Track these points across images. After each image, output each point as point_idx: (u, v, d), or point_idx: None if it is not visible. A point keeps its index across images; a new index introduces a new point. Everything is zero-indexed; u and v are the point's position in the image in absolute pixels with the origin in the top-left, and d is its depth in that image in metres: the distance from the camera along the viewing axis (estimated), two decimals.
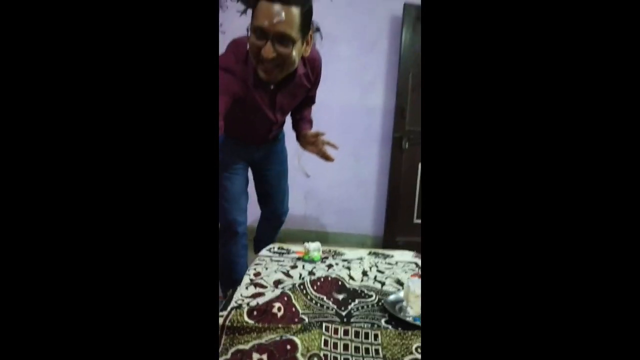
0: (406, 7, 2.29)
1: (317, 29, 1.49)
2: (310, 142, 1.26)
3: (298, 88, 1.18)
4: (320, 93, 1.41)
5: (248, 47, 0.97)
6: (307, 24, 0.97)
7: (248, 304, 0.86)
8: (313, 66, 1.19)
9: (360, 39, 2.42)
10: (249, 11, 0.96)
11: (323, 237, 2.32)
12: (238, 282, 1.06)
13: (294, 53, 0.96)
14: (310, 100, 1.38)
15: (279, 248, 1.34)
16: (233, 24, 1.52)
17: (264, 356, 0.65)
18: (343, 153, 2.50)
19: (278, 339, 0.70)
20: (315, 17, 1.56)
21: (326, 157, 1.28)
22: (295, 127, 1.38)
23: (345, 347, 0.71)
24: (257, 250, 1.48)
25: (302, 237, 2.51)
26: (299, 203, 2.51)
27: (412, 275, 1.03)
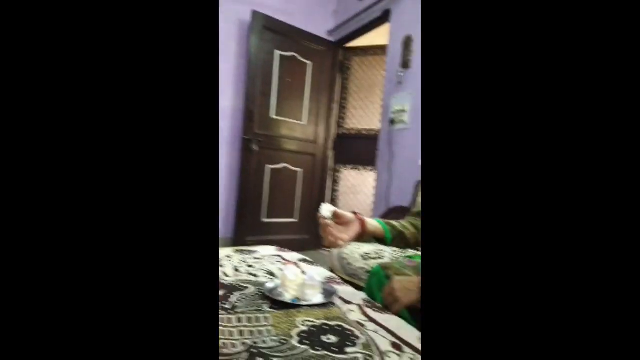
0: (254, 14, 2.39)
1: None
2: None
3: None
4: None
5: None
6: None
7: None
8: None
9: None
10: None
11: None
12: None
13: None
14: None
15: None
16: None
17: None
18: None
19: None
20: None
21: None
22: None
23: (241, 333, 0.74)
24: None
25: None
26: None
27: (285, 263, 1.12)
